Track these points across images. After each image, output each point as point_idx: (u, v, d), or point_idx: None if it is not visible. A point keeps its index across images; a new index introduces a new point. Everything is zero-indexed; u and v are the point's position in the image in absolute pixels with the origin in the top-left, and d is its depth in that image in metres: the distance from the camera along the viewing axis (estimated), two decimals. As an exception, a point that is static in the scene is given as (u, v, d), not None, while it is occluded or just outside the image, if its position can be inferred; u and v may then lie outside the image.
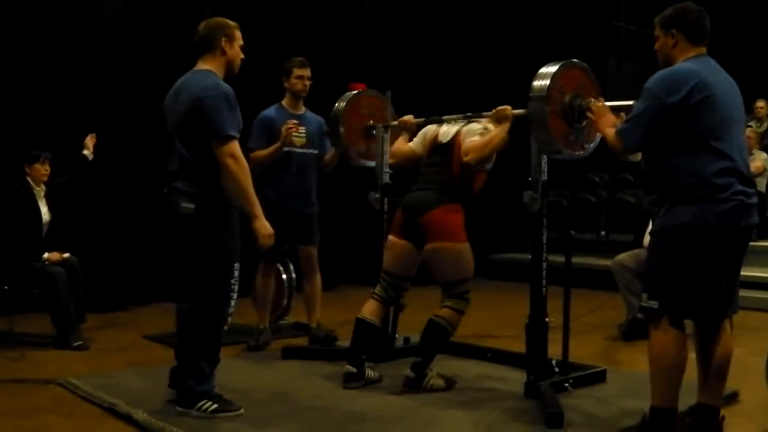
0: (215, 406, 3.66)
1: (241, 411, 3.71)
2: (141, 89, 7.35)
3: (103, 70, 7.09)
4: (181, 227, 3.69)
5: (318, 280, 5.42)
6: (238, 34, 3.83)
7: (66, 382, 4.28)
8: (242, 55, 3.86)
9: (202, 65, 3.78)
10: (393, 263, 4.35)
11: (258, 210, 3.69)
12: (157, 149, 7.21)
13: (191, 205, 3.62)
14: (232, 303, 3.77)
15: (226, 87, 3.67)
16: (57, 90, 6.86)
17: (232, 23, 3.84)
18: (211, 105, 3.58)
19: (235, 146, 3.61)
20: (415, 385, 4.11)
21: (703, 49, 3.28)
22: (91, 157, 5.92)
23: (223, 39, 3.76)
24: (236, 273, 3.75)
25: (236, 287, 3.78)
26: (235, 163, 3.58)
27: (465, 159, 4.16)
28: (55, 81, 6.86)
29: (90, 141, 5.94)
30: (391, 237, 4.37)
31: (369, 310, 4.34)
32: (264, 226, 3.70)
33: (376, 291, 4.39)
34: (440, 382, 4.17)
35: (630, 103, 3.54)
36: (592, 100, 3.79)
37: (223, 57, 3.77)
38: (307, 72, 5.31)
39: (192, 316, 3.70)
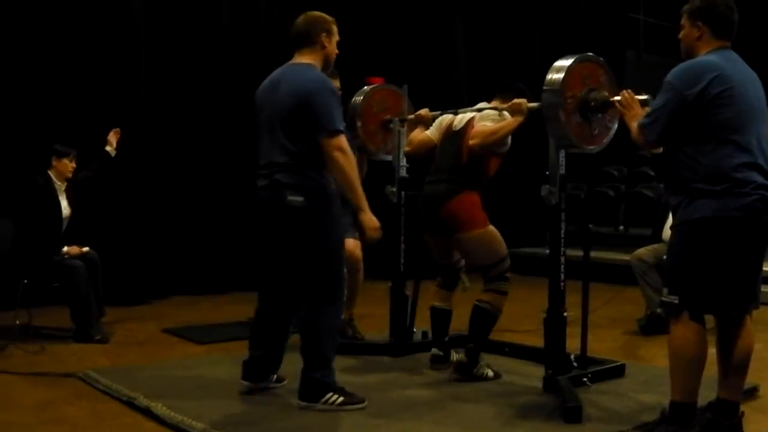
0: (342, 398, 3.65)
1: (366, 403, 3.69)
2: (163, 85, 7.39)
3: (126, 66, 7.10)
4: (289, 220, 3.64)
5: (358, 277, 5.19)
6: (335, 29, 3.80)
7: (85, 376, 4.30)
8: (338, 51, 3.83)
9: (300, 59, 3.75)
10: (436, 255, 4.54)
11: (364, 203, 3.65)
12: (177, 144, 7.38)
13: (300, 198, 3.59)
14: (345, 291, 3.78)
15: (330, 81, 3.67)
16: (79, 85, 6.89)
17: (330, 18, 3.80)
18: (319, 100, 3.56)
19: (344, 140, 3.59)
20: (466, 370, 4.20)
21: (727, 43, 3.24)
22: (113, 153, 5.91)
23: (323, 34, 3.74)
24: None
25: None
26: (343, 156, 3.56)
27: (470, 142, 4.21)
28: (77, 76, 6.89)
29: (113, 137, 5.92)
30: (425, 234, 4.50)
31: (437, 298, 4.55)
32: (371, 219, 3.68)
33: (437, 279, 4.58)
34: (489, 372, 4.26)
35: (645, 97, 3.51)
36: (606, 93, 3.78)
37: (322, 51, 3.75)
38: (336, 83, 5.23)
39: (316, 309, 3.66)
